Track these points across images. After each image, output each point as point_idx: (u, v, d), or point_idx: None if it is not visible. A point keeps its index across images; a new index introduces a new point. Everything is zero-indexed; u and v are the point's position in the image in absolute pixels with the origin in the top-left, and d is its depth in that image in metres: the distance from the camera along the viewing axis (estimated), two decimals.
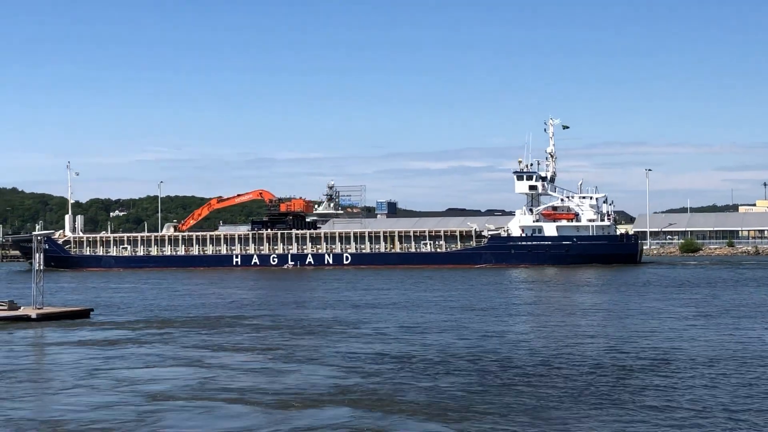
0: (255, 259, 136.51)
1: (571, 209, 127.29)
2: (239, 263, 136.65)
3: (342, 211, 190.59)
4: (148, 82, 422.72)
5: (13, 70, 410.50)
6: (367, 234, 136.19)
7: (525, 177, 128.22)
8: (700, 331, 42.79)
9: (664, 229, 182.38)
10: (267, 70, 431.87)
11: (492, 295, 69.69)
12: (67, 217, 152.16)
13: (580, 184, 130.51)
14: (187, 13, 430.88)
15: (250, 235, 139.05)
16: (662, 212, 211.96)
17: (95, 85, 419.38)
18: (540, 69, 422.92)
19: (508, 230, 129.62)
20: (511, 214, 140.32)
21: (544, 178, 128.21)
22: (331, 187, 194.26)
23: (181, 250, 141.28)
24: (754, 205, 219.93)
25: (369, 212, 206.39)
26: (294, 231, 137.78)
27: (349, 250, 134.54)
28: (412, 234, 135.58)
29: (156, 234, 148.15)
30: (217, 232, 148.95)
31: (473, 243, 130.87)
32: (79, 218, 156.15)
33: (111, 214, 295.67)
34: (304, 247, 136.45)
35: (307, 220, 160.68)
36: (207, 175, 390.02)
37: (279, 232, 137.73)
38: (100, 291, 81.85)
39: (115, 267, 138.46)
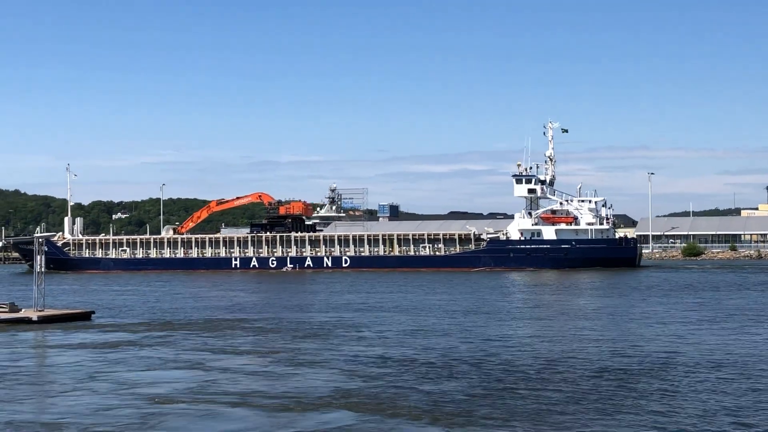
0: (254, 262, 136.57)
1: (570, 213, 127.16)
2: (238, 266, 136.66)
3: (344, 214, 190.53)
4: (151, 84, 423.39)
5: (16, 72, 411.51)
6: (366, 237, 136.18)
7: (524, 180, 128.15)
8: (703, 335, 42.65)
9: (666, 233, 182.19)
10: (269, 73, 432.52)
11: (493, 298, 69.55)
12: (66, 219, 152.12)
13: (579, 188, 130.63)
14: (190, 16, 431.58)
15: (249, 238, 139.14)
16: (665, 216, 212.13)
17: (98, 87, 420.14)
18: (543, 73, 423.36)
19: (506, 234, 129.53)
20: (513, 217, 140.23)
21: (543, 182, 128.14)
22: (333, 190, 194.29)
23: (180, 253, 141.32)
24: (757, 209, 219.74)
25: (371, 215, 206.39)
26: (293, 234, 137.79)
27: (347, 253, 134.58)
28: (411, 237, 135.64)
29: (155, 236, 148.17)
30: (216, 235, 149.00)
31: (472, 246, 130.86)
32: (79, 220, 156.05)
33: (113, 216, 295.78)
34: (303, 250, 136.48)
35: (309, 223, 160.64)
36: (209, 178, 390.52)
37: (278, 234, 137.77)
38: (101, 293, 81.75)
39: (114, 269, 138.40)
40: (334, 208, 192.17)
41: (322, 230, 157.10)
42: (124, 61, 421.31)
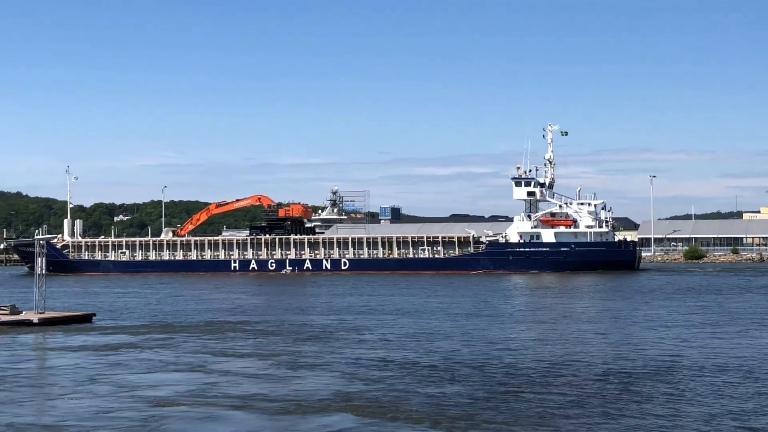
0: (253, 264, 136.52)
1: (570, 216, 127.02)
2: (237, 268, 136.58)
3: (345, 217, 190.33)
4: (153, 86, 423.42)
5: (17, 73, 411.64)
6: (365, 239, 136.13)
7: (523, 183, 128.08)
8: (707, 338, 42.46)
9: (668, 236, 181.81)
10: (271, 75, 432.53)
11: (494, 301, 69.39)
12: (65, 221, 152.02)
13: (579, 191, 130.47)
14: (191, 17, 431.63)
15: (248, 240, 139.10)
16: (666, 219, 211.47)
17: (99, 88, 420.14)
18: (545, 75, 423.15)
19: (506, 236, 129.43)
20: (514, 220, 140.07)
21: (542, 185, 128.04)
22: (334, 193, 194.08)
23: (179, 255, 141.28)
24: (759, 212, 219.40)
25: (373, 218, 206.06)
26: (292, 236, 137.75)
27: (346, 256, 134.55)
28: (410, 240, 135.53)
29: (154, 239, 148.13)
30: (215, 237, 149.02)
31: (471, 249, 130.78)
32: (78, 222, 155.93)
33: (115, 218, 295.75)
34: (302, 252, 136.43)
35: (310, 225, 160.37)
36: (211, 180, 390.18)
37: (277, 237, 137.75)
38: (102, 296, 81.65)
39: (114, 271, 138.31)
40: (335, 210, 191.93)
41: (323, 233, 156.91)
42: (125, 63, 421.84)
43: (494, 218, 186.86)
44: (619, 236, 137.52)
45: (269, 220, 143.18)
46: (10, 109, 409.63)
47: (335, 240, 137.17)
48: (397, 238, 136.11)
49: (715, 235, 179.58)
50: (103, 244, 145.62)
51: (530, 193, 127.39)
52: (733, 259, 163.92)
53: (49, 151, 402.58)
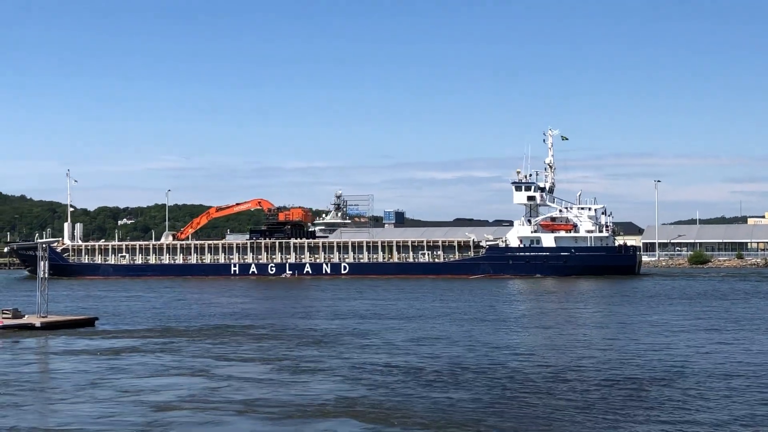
0: (253, 268, 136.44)
1: (570, 220, 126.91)
2: (237, 272, 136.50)
3: (349, 221, 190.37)
4: (158, 91, 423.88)
5: (24, 79, 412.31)
6: (365, 244, 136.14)
7: (523, 188, 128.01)
8: (713, 344, 42.21)
9: (672, 241, 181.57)
10: (274, 79, 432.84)
11: (497, 306, 69.18)
12: (66, 224, 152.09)
13: (579, 195, 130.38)
14: (196, 25, 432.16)
15: (248, 244, 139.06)
16: (671, 224, 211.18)
17: (103, 93, 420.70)
18: (548, 80, 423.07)
19: (506, 241, 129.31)
20: None
21: (542, 189, 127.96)
22: (338, 197, 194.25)
23: (179, 259, 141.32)
24: (763, 217, 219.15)
25: (377, 222, 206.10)
26: (292, 240, 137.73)
27: (346, 260, 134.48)
28: (410, 244, 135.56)
29: (154, 242, 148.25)
30: (215, 241, 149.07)
31: (471, 253, 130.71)
32: (78, 226, 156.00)
33: (119, 222, 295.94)
34: (302, 256, 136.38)
35: (314, 229, 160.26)
36: (214, 184, 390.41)
37: (277, 241, 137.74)
38: (104, 299, 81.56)
39: (114, 275, 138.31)
40: (339, 214, 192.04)
41: (327, 236, 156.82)
42: (130, 68, 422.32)
43: (498, 222, 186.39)
44: (620, 241, 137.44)
45: (269, 224, 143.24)
46: (15, 113, 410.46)
47: (335, 244, 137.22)
48: (397, 242, 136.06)
49: (720, 240, 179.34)
50: (103, 247, 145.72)
51: (530, 198, 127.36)
52: (738, 264, 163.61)
53: (53, 155, 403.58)
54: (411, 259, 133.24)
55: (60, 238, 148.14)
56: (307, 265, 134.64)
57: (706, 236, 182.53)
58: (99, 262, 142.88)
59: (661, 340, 44.05)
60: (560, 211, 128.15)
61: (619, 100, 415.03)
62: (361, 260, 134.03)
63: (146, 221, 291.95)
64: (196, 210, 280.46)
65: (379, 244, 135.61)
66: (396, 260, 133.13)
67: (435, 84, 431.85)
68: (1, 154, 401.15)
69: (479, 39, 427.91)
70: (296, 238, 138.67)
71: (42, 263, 52.56)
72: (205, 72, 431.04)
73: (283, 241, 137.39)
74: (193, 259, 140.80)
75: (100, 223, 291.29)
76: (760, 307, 64.91)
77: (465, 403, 27.83)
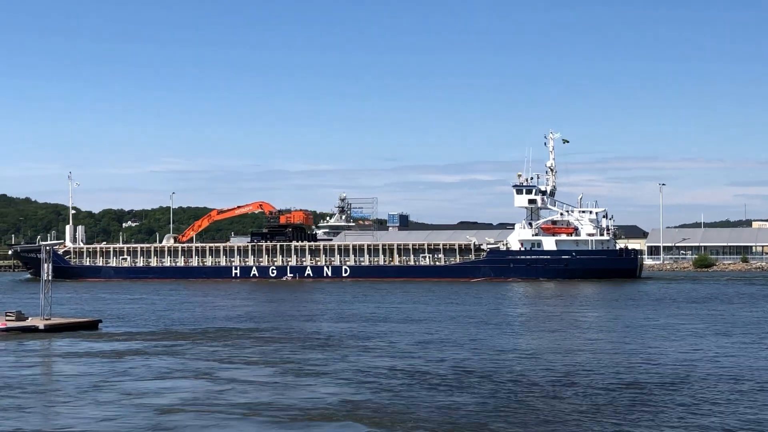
0: (254, 271, 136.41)
1: (571, 223, 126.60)
2: (238, 275, 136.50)
3: (354, 224, 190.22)
4: (162, 94, 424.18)
5: (28, 83, 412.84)
6: (366, 247, 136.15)
7: (524, 191, 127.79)
8: (720, 347, 42.02)
9: (677, 244, 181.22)
10: (277, 82, 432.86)
11: (501, 309, 69.04)
12: (67, 227, 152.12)
13: (580, 198, 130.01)
14: (202, 30, 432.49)
15: (250, 247, 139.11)
16: (675, 227, 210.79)
17: (108, 97, 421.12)
18: (552, 83, 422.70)
19: (507, 244, 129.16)
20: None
21: (543, 192, 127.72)
22: (343, 200, 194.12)
23: (180, 262, 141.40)
24: None
25: (381, 225, 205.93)
26: (293, 243, 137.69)
27: (347, 263, 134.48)
28: (410, 247, 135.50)
29: (156, 245, 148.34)
30: (216, 244, 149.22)
31: (472, 257, 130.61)
32: (80, 228, 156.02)
33: (123, 224, 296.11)
34: (303, 259, 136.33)
35: (318, 231, 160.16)
36: (219, 187, 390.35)
37: (278, 244, 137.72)
38: (108, 302, 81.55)
39: (115, 278, 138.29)
40: (344, 217, 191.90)
41: (331, 239, 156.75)
42: (134, 72, 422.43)
43: (502, 226, 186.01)
44: (621, 244, 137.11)
45: (270, 227, 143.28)
46: (20, 117, 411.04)
47: (336, 247, 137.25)
48: (398, 245, 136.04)
49: (725, 244, 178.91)
50: (104, 250, 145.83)
51: (531, 201, 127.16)
52: (743, 267, 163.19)
53: (58, 158, 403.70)
54: (412, 263, 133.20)
55: (62, 241, 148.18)
56: (308, 268, 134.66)
57: (710, 240, 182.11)
58: (100, 264, 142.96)
59: (666, 344, 43.87)
60: (561, 214, 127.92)
61: (623, 103, 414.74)
62: (363, 263, 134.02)
63: (151, 224, 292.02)
64: (201, 213, 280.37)
65: (380, 247, 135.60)
66: (397, 263, 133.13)
67: (438, 87, 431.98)
68: (7, 156, 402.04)
69: (483, 41, 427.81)
70: (297, 241, 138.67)
71: (46, 265, 52.54)
72: (210, 76, 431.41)
73: (285, 243, 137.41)
74: (194, 261, 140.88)
75: (105, 225, 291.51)
76: (767, 311, 64.69)
77: (470, 407, 27.69)
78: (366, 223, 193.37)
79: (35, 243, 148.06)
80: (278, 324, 56.27)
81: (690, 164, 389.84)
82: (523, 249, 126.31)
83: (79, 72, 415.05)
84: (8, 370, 36.06)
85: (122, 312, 67.70)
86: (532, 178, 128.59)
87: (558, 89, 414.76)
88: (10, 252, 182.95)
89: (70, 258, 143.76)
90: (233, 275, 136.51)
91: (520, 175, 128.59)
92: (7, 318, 51.74)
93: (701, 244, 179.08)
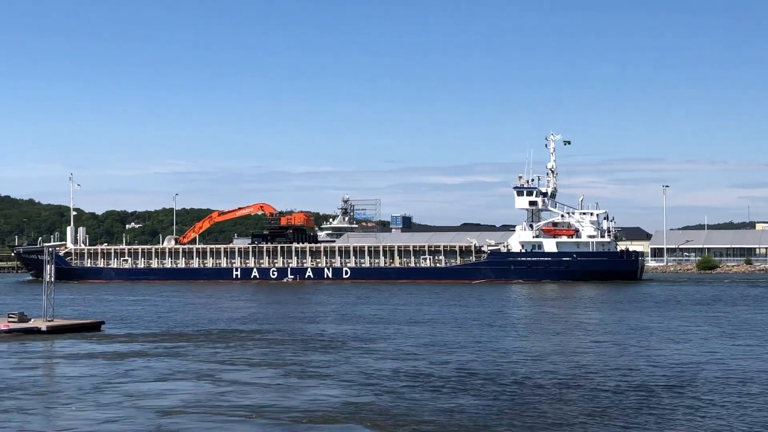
0: (255, 273, 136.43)
1: (572, 225, 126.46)
2: (239, 276, 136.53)
3: (356, 225, 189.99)
4: (165, 96, 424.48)
5: (32, 83, 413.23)
6: (366, 248, 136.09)
7: (525, 193, 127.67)
8: (725, 349, 41.85)
9: (681, 246, 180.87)
10: (280, 84, 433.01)
11: (504, 311, 68.89)
12: (69, 228, 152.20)
13: (581, 200, 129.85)
14: (204, 32, 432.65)
15: (250, 249, 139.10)
16: (679, 229, 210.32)
17: (112, 98, 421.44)
18: (555, 85, 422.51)
19: (507, 246, 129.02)
20: None
21: (544, 194, 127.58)
22: (346, 201, 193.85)
23: (181, 263, 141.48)
24: None
25: (384, 227, 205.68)
26: (294, 245, 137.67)
27: (348, 265, 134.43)
28: (411, 249, 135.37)
29: (156, 246, 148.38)
30: (217, 245, 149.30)
31: (473, 258, 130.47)
32: (81, 230, 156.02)
33: (127, 226, 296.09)
34: (304, 260, 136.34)
35: (321, 233, 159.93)
36: (222, 188, 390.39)
37: (279, 245, 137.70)
38: (111, 303, 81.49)
39: (116, 279, 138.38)
40: (346, 219, 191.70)
41: (334, 241, 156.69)
42: (138, 74, 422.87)
43: (505, 227, 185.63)
44: (623, 246, 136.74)
45: (271, 229, 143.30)
46: (24, 118, 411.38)
47: (337, 249, 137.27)
48: (399, 247, 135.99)
49: (728, 246, 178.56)
50: (105, 251, 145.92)
51: (532, 203, 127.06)
52: (747, 269, 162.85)
53: (61, 159, 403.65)
54: (413, 264, 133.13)
55: (64, 242, 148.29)
56: (309, 269, 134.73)
57: (714, 242, 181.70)
58: (101, 266, 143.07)
59: (672, 345, 43.70)
60: (562, 216, 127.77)
61: (627, 105, 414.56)
62: (363, 265, 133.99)
63: (154, 225, 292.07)
64: (204, 214, 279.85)
65: (381, 248, 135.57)
66: (398, 265, 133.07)
67: (441, 89, 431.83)
68: (10, 158, 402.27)
69: (486, 43, 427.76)
70: (298, 243, 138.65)
71: (48, 267, 52.51)
72: (212, 78, 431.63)
73: (285, 245, 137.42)
74: (195, 263, 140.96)
75: (108, 227, 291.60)
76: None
77: (474, 410, 27.54)
78: (369, 224, 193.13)
79: (35, 245, 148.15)
80: (281, 325, 56.17)
81: (693, 166, 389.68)
82: (523, 251, 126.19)
83: (83, 73, 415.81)
84: (11, 372, 35.98)
85: (124, 313, 67.62)
86: (532, 180, 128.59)
87: (561, 91, 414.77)
88: (13, 254, 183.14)
89: (71, 259, 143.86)
90: (234, 277, 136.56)
91: (520, 177, 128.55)
92: (10, 319, 51.68)
93: (705, 246, 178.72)
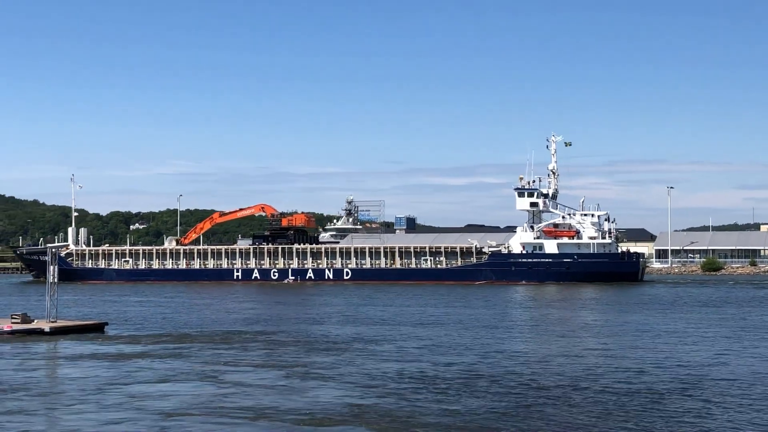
0: (256, 274, 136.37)
1: (573, 227, 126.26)
2: (240, 277, 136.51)
3: (361, 226, 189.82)
4: (168, 96, 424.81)
5: (36, 85, 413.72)
6: (368, 249, 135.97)
7: (526, 194, 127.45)
8: (732, 352, 41.65)
9: (685, 248, 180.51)
10: (283, 85, 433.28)
11: (507, 313, 68.71)
12: (70, 229, 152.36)
13: (582, 202, 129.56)
14: (208, 33, 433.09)
15: (251, 250, 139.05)
16: (683, 230, 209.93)
17: (116, 99, 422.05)
18: (560, 86, 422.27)
19: (508, 247, 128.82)
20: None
21: (545, 195, 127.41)
22: (350, 202, 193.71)
23: (182, 264, 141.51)
24: None
25: (388, 228, 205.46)
26: (295, 246, 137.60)
27: (349, 266, 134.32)
28: (413, 250, 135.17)
29: (158, 247, 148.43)
30: (218, 246, 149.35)
31: (474, 259, 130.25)
32: (83, 231, 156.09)
33: (131, 227, 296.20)
34: (305, 262, 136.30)
35: (325, 234, 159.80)
36: (226, 189, 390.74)
37: (280, 246, 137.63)
38: (115, 304, 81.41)
39: (117, 280, 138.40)
40: (350, 220, 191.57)
41: (338, 242, 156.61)
42: (142, 75, 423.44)
43: (510, 229, 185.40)
44: (628, 247, 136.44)
45: (272, 230, 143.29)
46: (29, 119, 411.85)
47: (338, 250, 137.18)
48: (400, 248, 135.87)
49: (733, 247, 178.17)
50: (107, 252, 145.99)
51: (533, 204, 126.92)
52: (751, 271, 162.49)
53: (66, 160, 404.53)
54: (414, 265, 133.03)
55: (67, 243, 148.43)
56: (310, 270, 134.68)
57: (718, 243, 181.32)
58: (102, 266, 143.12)
59: (678, 347, 43.48)
60: (563, 217, 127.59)
61: (631, 106, 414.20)
62: (364, 266, 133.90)
63: (158, 226, 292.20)
64: (208, 215, 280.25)
65: (382, 249, 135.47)
66: (399, 266, 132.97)
67: (444, 90, 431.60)
68: (15, 159, 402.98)
69: (489, 44, 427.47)
70: (299, 244, 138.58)
71: (51, 268, 52.43)
72: (216, 79, 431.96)
73: (286, 246, 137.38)
74: (196, 264, 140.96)
75: (113, 227, 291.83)
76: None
77: (479, 412, 27.37)
78: (373, 225, 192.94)
79: (38, 246, 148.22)
80: (284, 327, 56.02)
81: (698, 167, 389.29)
82: (524, 252, 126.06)
83: (87, 74, 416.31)
84: (14, 373, 35.89)
85: (128, 314, 67.52)
86: (534, 181, 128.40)
87: (565, 92, 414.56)
88: (16, 254, 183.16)
89: (72, 260, 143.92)
90: (235, 278, 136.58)
91: (521, 178, 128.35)
92: (13, 320, 51.59)
93: (709, 248, 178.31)
